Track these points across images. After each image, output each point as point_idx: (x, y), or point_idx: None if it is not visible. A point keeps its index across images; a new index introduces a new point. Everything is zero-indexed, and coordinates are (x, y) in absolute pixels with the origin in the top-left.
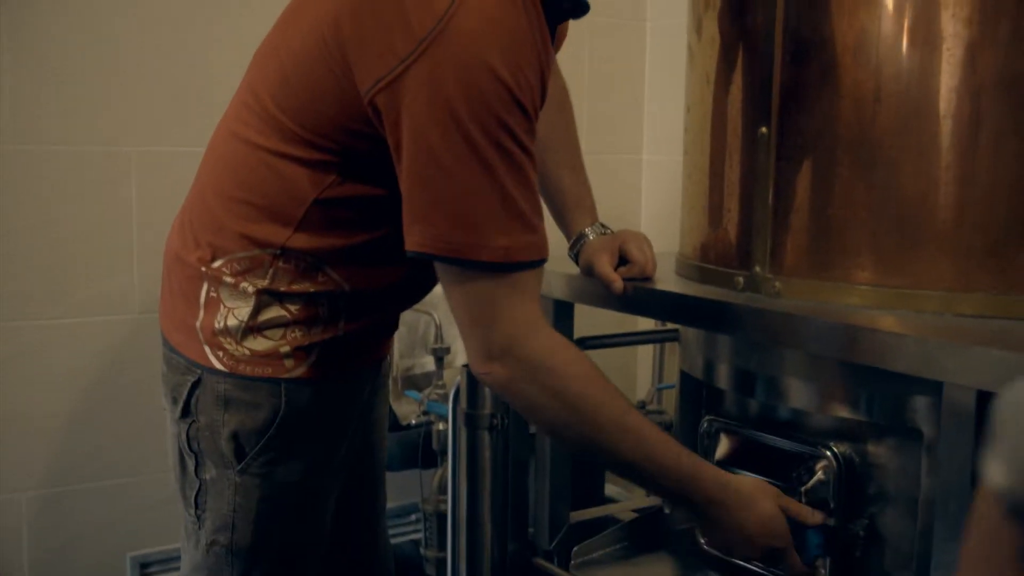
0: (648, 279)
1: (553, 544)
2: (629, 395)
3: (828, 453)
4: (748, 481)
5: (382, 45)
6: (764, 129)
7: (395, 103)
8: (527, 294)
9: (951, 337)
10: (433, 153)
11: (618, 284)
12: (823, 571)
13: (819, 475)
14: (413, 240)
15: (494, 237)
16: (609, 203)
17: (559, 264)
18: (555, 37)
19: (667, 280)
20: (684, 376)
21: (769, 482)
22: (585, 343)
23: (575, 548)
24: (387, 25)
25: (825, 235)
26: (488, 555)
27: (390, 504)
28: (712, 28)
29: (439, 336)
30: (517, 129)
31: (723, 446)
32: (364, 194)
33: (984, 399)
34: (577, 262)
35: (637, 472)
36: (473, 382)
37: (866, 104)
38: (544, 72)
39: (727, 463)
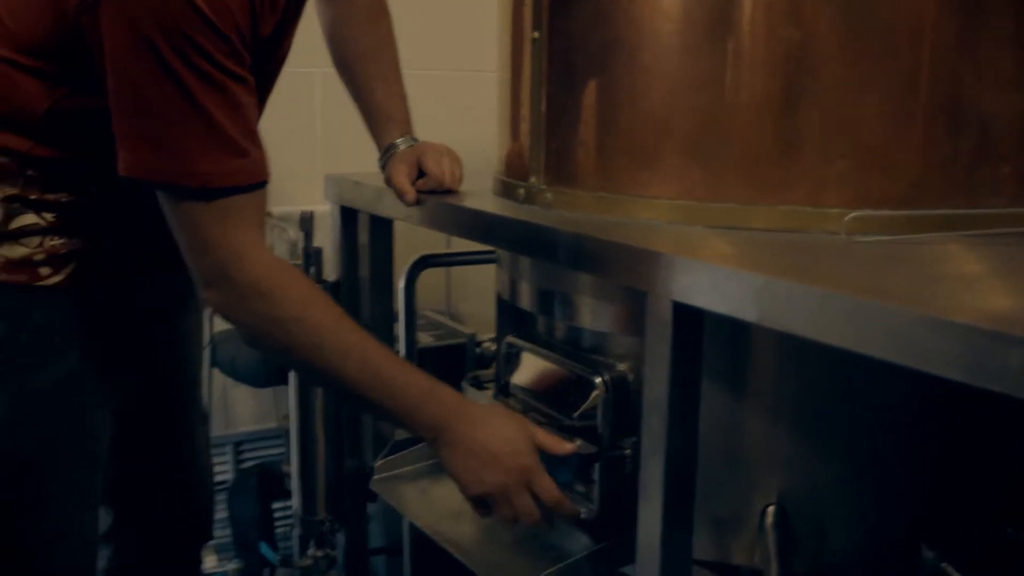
0: (448, 192)
1: (376, 461)
2: None
3: (598, 379)
4: (487, 404)
5: None
6: (536, 34)
7: (96, 25)
8: (241, 219)
9: (657, 246)
10: (129, 77)
11: (409, 196)
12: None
13: (590, 400)
14: (121, 163)
15: (197, 162)
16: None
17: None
18: None
19: (474, 195)
20: (497, 296)
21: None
22: (427, 261)
23: (378, 463)
24: None
25: (592, 145)
26: (321, 470)
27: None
28: None
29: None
30: (213, 52)
31: (518, 370)
32: (97, 107)
33: (681, 310)
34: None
35: (367, 396)
36: None
37: (630, 5)
38: None
39: (524, 388)
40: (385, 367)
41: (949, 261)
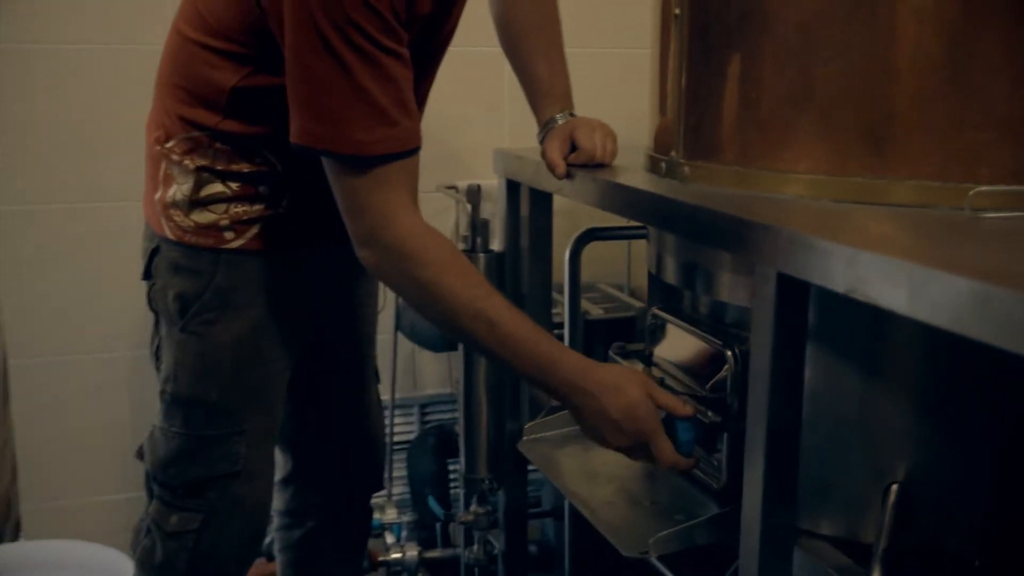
0: (600, 166)
1: (530, 425)
2: None
3: (729, 352)
4: (614, 368)
5: None
6: (678, 10)
7: (275, 9)
8: (391, 184)
9: (769, 220)
10: (298, 53)
11: (559, 169)
12: (696, 462)
13: (722, 372)
14: (292, 132)
15: (351, 131)
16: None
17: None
18: None
19: (624, 170)
20: (648, 270)
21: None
22: (592, 234)
23: (527, 425)
24: None
25: (726, 118)
26: (484, 432)
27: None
28: None
29: None
30: (371, 30)
31: (662, 342)
32: (277, 84)
33: (785, 281)
34: None
35: (496, 357)
36: None
37: None
38: None
39: (666, 359)
40: (512, 334)
41: None
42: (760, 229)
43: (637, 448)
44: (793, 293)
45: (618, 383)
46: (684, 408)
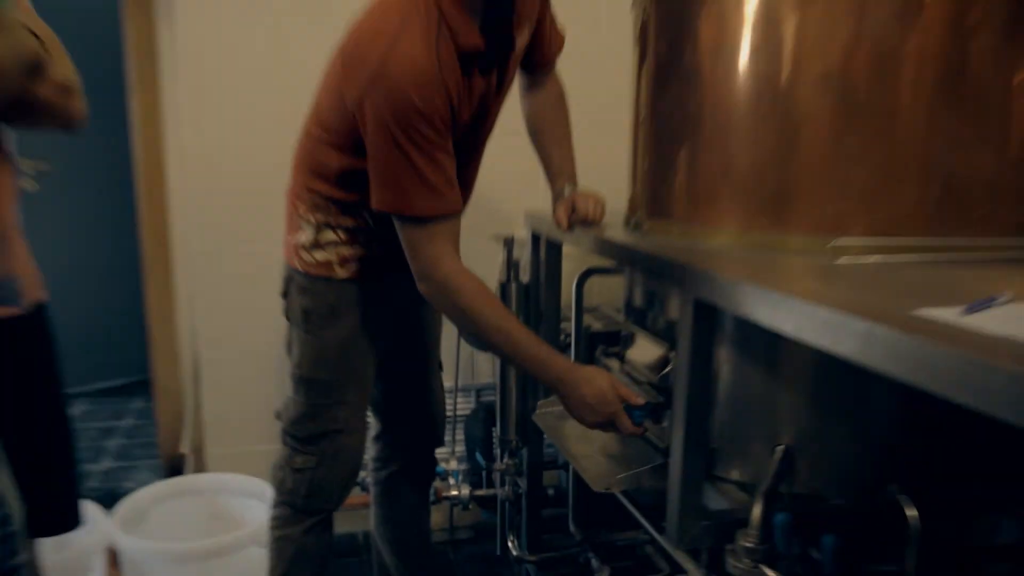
0: (590, 224)
1: (541, 403)
2: None
3: (672, 353)
4: (589, 368)
5: (353, 79)
6: (643, 116)
7: (362, 116)
8: (439, 238)
9: (694, 263)
10: (377, 146)
11: (563, 226)
12: (644, 431)
13: (667, 368)
14: (372, 200)
15: (412, 200)
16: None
17: None
18: (507, 64)
19: (607, 226)
20: (624, 297)
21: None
22: (591, 272)
23: (539, 403)
24: (356, 63)
25: (675, 191)
26: (513, 408)
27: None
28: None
29: None
30: (428, 132)
31: (632, 347)
32: (366, 167)
33: (699, 305)
34: None
35: (510, 359)
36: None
37: (692, 99)
38: (451, 96)
39: (633, 359)
40: (521, 344)
41: (914, 280)
42: (682, 268)
43: (606, 423)
44: (705, 313)
45: (591, 378)
46: (636, 398)
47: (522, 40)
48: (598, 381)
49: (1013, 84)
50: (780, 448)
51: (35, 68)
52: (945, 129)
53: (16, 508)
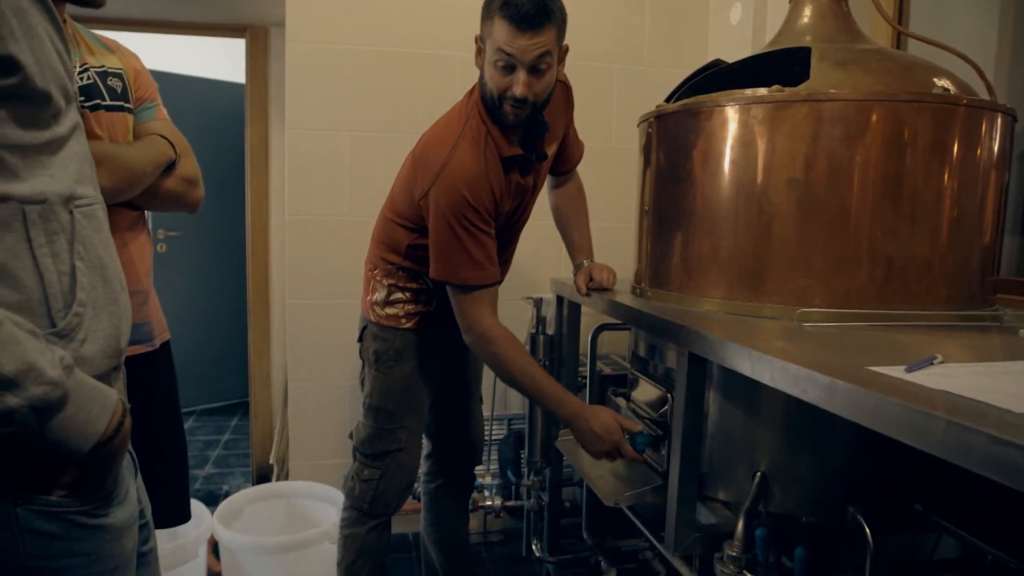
0: (606, 290)
1: (562, 431)
2: None
3: (669, 395)
4: (596, 406)
5: (421, 177)
6: (647, 207)
7: (426, 206)
8: (480, 302)
9: (687, 323)
10: (435, 229)
11: (582, 291)
12: (648, 459)
13: (665, 407)
14: (430, 270)
15: (460, 272)
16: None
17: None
18: (536, 163)
19: (618, 292)
20: (630, 348)
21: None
22: (603, 327)
23: (561, 431)
24: (423, 165)
25: (672, 267)
26: (539, 434)
27: (522, 409)
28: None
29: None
30: (476, 220)
31: (636, 389)
32: (428, 244)
33: (693, 357)
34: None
35: (533, 396)
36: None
37: (686, 196)
38: (495, 193)
39: (638, 399)
40: (542, 386)
41: (865, 343)
42: (680, 328)
43: (612, 452)
44: (697, 364)
45: (598, 413)
46: (636, 427)
47: (551, 151)
48: (603, 416)
49: (939, 188)
50: (758, 474)
51: (167, 168)
52: (887, 223)
53: (147, 504)
